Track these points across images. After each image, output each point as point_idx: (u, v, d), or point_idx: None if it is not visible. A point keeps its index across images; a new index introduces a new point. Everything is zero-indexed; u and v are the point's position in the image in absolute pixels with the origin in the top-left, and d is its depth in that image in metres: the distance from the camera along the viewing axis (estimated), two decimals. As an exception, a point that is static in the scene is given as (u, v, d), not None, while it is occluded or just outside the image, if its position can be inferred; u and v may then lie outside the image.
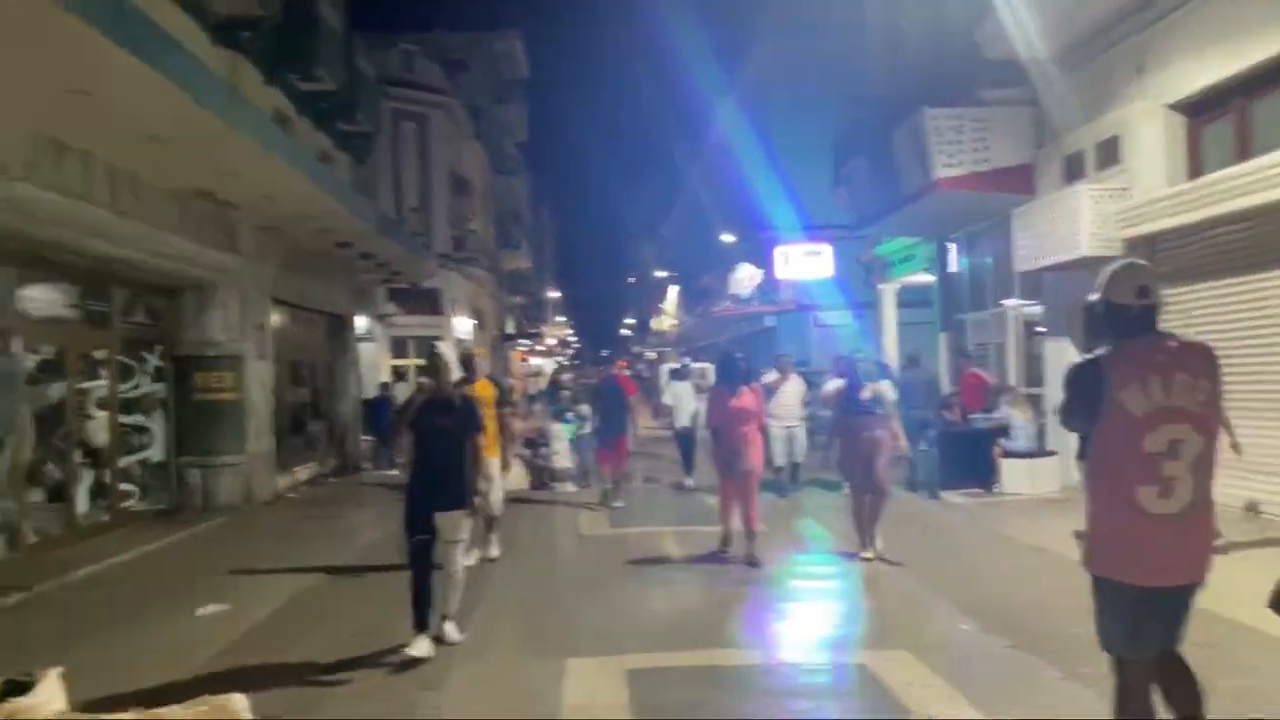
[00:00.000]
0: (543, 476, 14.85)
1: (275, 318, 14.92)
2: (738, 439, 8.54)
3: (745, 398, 8.71)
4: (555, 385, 16.63)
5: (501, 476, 9.20)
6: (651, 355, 61.55)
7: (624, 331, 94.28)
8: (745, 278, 29.51)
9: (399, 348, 30.83)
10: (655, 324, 62.11)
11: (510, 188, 50.71)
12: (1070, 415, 3.45)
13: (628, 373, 16.83)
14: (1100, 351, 3.32)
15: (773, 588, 7.74)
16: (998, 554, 8.83)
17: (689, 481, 13.99)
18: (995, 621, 6.28)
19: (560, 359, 66.67)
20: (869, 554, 8.50)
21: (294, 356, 16.47)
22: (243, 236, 13.15)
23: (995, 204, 13.76)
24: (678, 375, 17.51)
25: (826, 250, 23.35)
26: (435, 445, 6.12)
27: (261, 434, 13.62)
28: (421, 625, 5.97)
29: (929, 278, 18.28)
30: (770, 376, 12.57)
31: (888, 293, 21.10)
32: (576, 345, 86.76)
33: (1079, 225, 10.93)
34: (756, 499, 8.70)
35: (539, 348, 59.02)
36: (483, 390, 8.48)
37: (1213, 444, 3.27)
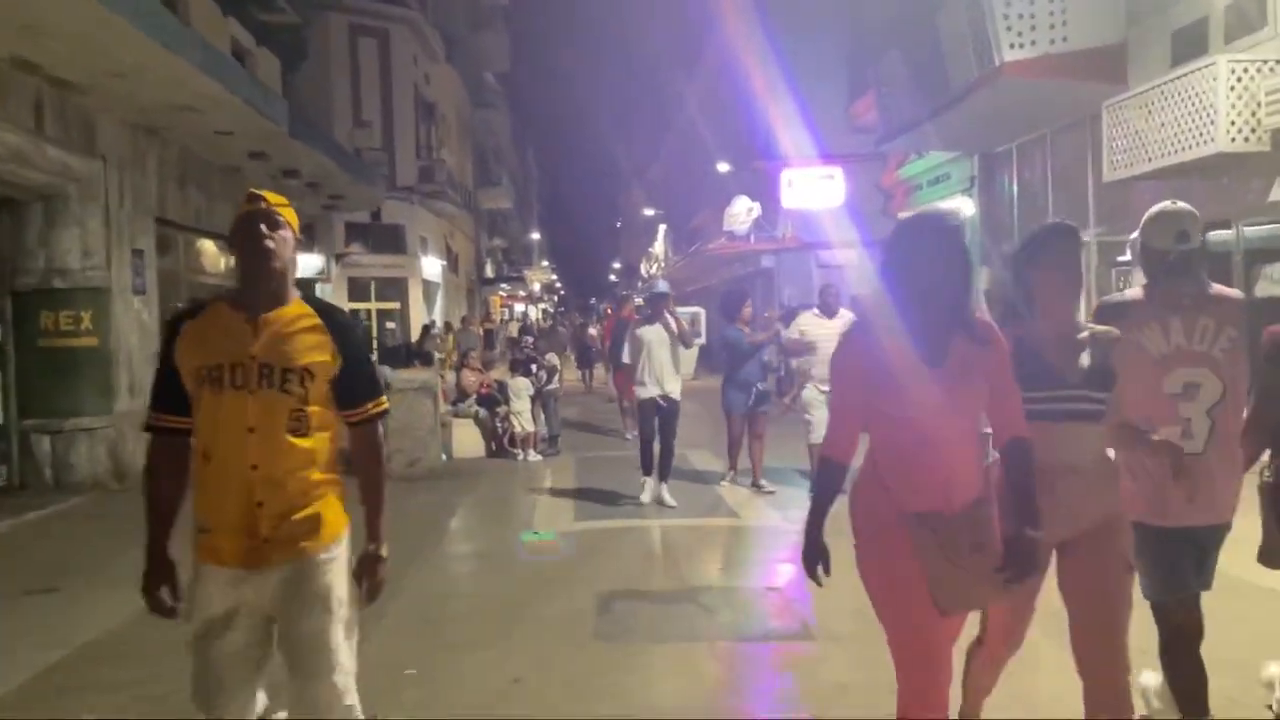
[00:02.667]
0: (501, 441, 12.09)
1: (164, 244, 11.99)
2: None
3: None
4: (490, 334, 13.72)
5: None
6: (639, 301, 58.60)
7: (611, 278, 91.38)
8: (742, 211, 26.53)
9: (359, 290, 27.85)
10: (644, 268, 59.17)
11: (490, 122, 47.43)
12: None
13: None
14: (1129, 292, 3.35)
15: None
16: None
17: (647, 496, 8.62)
18: None
19: (545, 305, 63.85)
20: None
21: (198, 293, 13.51)
22: (105, 135, 10.17)
23: (1068, 99, 10.90)
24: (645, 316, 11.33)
25: (838, 174, 20.36)
26: None
27: (139, 387, 10.75)
28: None
29: (965, 203, 15.41)
30: (805, 324, 8.60)
31: (910, 224, 18.19)
32: (562, 291, 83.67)
33: (1214, 111, 8.05)
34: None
35: (521, 293, 55.98)
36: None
37: (1236, 390, 3.18)
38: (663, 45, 43.47)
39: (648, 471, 8.60)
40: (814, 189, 20.42)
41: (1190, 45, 9.25)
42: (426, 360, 16.36)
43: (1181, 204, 3.24)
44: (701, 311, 27.19)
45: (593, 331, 23.96)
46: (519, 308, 57.18)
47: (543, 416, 12.22)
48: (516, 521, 7.97)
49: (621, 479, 9.96)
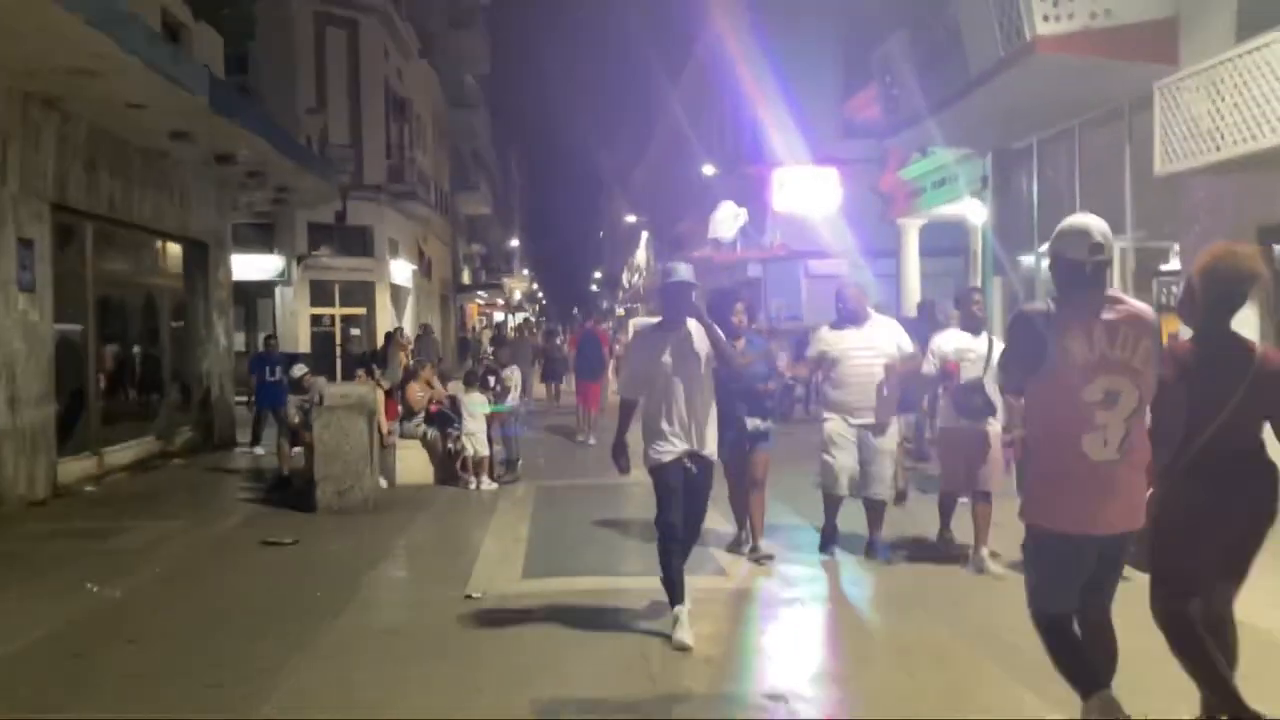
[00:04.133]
0: (453, 466, 10.56)
1: (64, 235, 10.42)
2: None
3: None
4: (465, 341, 12.23)
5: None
6: (619, 311, 57.44)
7: (592, 288, 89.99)
8: (728, 218, 25.08)
9: (322, 294, 26.25)
10: (625, 278, 57.79)
11: (469, 124, 45.87)
12: (1011, 366, 3.54)
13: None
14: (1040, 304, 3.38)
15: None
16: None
17: (683, 635, 5.02)
18: None
19: (527, 314, 62.17)
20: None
21: (109, 292, 11.93)
22: (-18, 102, 8.64)
23: (1105, 83, 9.52)
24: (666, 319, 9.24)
25: (833, 176, 18.94)
26: None
27: (23, 400, 9.17)
28: None
29: (974, 207, 14.01)
30: (825, 340, 6.70)
31: (909, 230, 16.82)
32: (542, 300, 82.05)
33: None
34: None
35: (500, 301, 54.39)
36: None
37: (1147, 401, 3.26)
38: (648, 46, 42.13)
39: (675, 599, 5.08)
40: (807, 192, 18.99)
41: (1260, 16, 7.85)
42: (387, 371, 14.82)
43: (1093, 216, 3.31)
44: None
45: (559, 342, 22.36)
46: (498, 316, 55.59)
47: (503, 438, 10.73)
48: (449, 576, 6.42)
49: (585, 515, 8.45)
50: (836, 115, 19.97)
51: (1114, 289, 3.36)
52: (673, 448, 5.10)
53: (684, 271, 5.26)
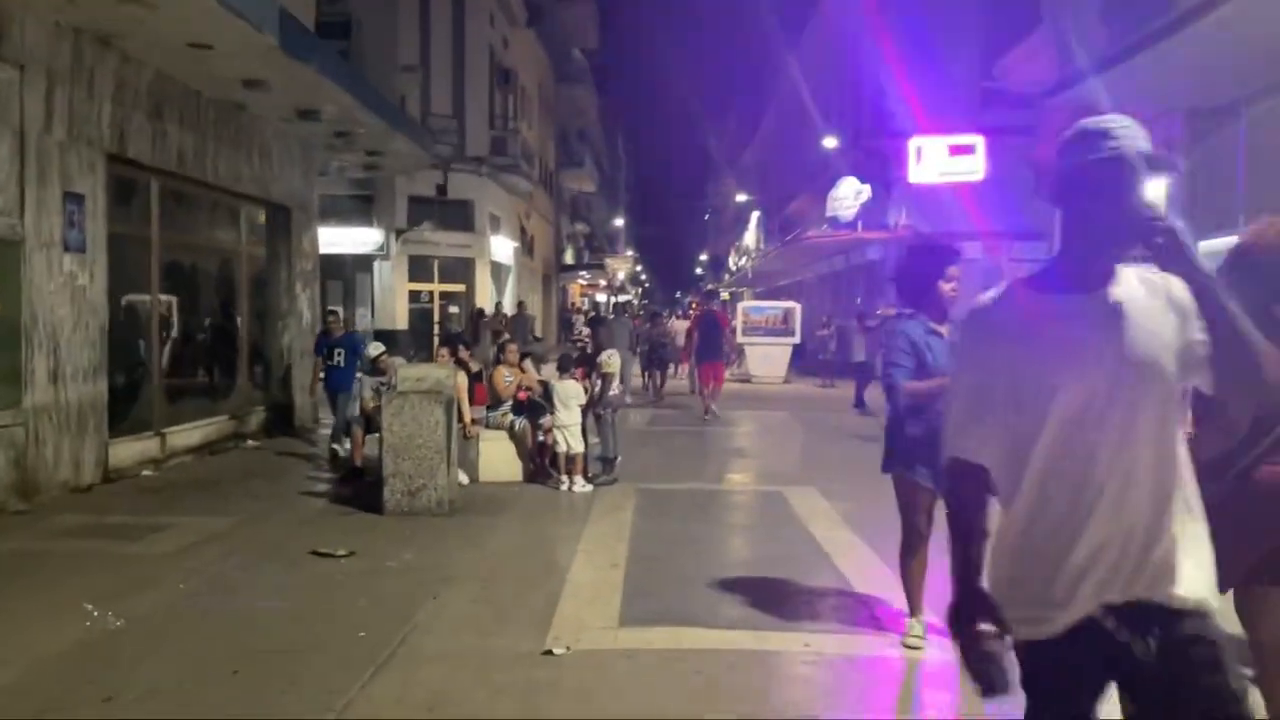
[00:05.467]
0: (542, 462, 9.25)
1: (123, 192, 9.43)
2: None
3: None
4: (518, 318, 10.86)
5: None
6: (725, 295, 56.00)
7: (697, 270, 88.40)
8: (849, 195, 23.30)
9: (420, 270, 25.38)
10: (732, 260, 56.08)
11: (575, 99, 44.77)
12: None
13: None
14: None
15: None
16: None
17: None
18: None
19: (630, 296, 60.99)
20: None
21: (179, 257, 10.96)
22: (24, 35, 7.60)
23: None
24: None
25: (980, 145, 16.96)
26: None
27: (68, 375, 8.18)
28: None
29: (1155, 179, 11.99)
30: None
31: (1067, 208, 14.77)
32: (645, 283, 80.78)
33: None
34: None
35: (602, 282, 53.31)
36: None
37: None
38: (766, 11, 40.11)
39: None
40: (948, 163, 17.06)
41: None
42: (477, 351, 13.65)
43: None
44: (797, 307, 24.05)
45: (672, 325, 20.66)
46: (600, 297, 54.53)
47: (601, 433, 9.37)
48: (526, 616, 5.06)
49: (698, 531, 7.02)
50: (975, 82, 17.98)
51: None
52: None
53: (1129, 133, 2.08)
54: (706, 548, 6.76)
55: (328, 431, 11.32)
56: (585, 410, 9.06)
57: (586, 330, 9.76)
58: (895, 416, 4.60)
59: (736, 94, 56.41)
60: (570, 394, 8.93)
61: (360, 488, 8.52)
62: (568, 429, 8.84)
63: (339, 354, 10.77)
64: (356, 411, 9.45)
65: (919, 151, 17.16)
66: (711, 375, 15.21)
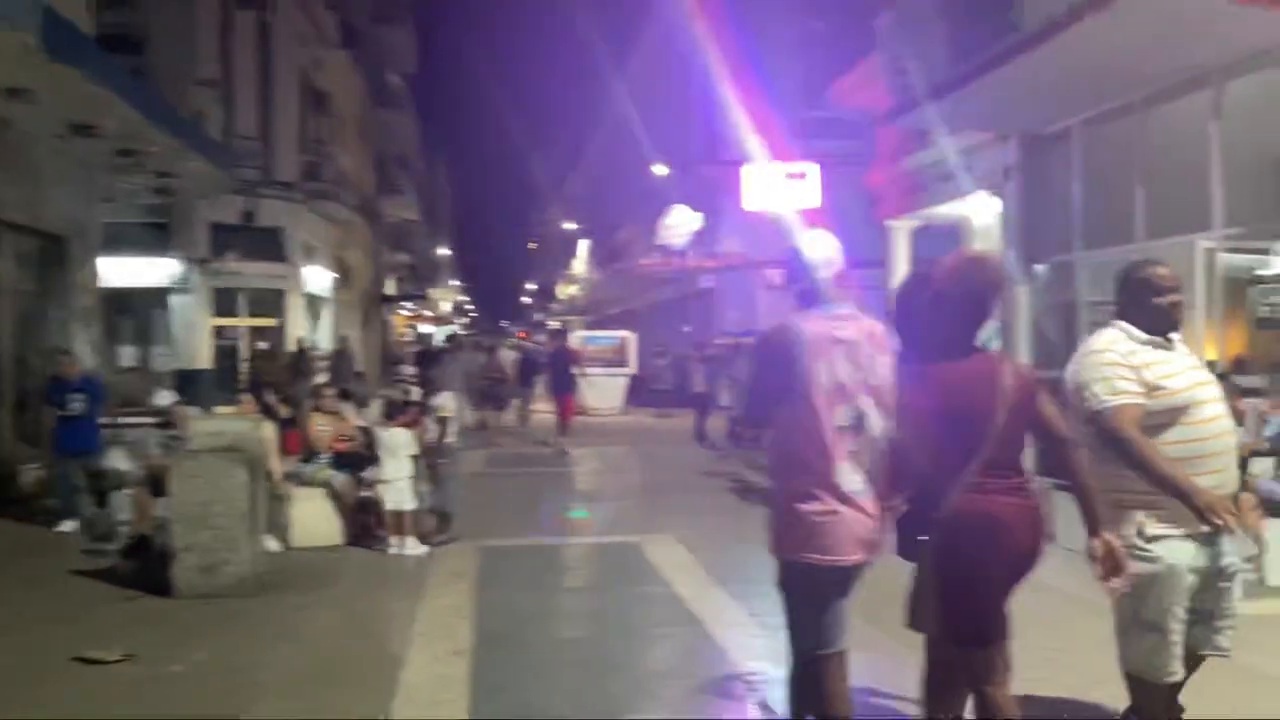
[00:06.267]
0: (368, 522, 8.14)
1: None
2: None
3: None
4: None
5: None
6: (554, 324, 55.32)
7: (525, 300, 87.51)
8: (681, 223, 23.03)
9: (225, 303, 23.35)
10: (560, 290, 55.54)
11: (394, 125, 43.21)
12: (758, 394, 3.32)
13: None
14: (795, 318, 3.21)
15: None
16: None
17: None
18: None
19: (455, 327, 59.31)
20: None
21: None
22: None
23: (1199, 42, 7.57)
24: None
25: (814, 171, 16.89)
26: None
27: None
28: None
29: (986, 204, 12.06)
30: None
31: (899, 234, 14.83)
32: (472, 313, 79.02)
33: None
34: None
35: (427, 313, 51.56)
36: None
37: (889, 419, 3.14)
38: (591, 32, 39.89)
39: None
40: (781, 190, 16.90)
41: None
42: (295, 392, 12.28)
43: (825, 234, 3.25)
44: (633, 337, 23.61)
45: (505, 357, 19.54)
46: (424, 328, 52.70)
47: (436, 485, 8.35)
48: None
49: (555, 599, 6.16)
50: (808, 109, 18.02)
51: (848, 307, 3.22)
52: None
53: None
54: (565, 621, 5.91)
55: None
56: (417, 460, 8.04)
57: (412, 370, 8.52)
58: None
59: (562, 121, 56.14)
60: (399, 443, 7.89)
61: (148, 560, 7.18)
62: (396, 483, 7.80)
63: (78, 401, 8.78)
64: (130, 467, 8.05)
65: (753, 179, 16.95)
66: (565, 408, 15.32)
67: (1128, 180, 9.23)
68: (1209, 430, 3.31)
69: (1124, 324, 3.42)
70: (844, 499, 3.04)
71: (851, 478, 3.05)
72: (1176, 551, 3.23)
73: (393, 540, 7.78)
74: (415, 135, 50.95)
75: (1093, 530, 3.04)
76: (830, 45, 15.74)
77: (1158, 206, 8.92)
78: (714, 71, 19.12)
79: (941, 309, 3.14)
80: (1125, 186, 9.24)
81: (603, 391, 22.15)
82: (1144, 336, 3.36)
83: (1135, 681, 3.35)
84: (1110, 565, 3.02)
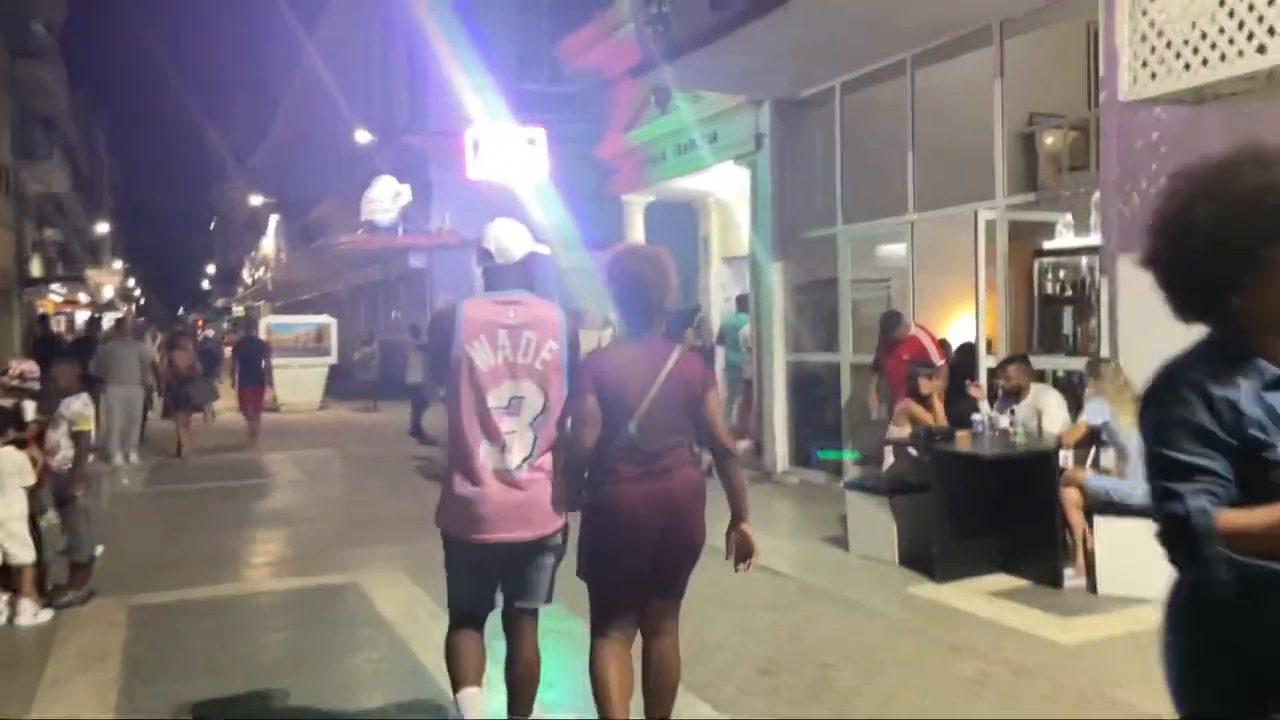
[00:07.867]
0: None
1: None
2: None
3: None
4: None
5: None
6: (239, 312, 50.62)
7: (205, 285, 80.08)
8: (386, 197, 20.83)
9: None
10: (247, 273, 50.68)
11: (38, 80, 37.05)
12: (433, 373, 3.78)
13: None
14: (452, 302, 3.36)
15: None
16: None
17: None
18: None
19: (122, 313, 52.41)
20: None
21: None
22: None
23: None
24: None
25: (541, 137, 15.41)
26: None
27: None
28: None
29: (733, 175, 11.21)
30: None
31: (634, 207, 13.76)
32: (140, 299, 70.57)
33: None
34: None
35: (84, 298, 45.01)
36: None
37: (556, 404, 3.25)
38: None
39: None
40: (511, 156, 15.28)
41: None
42: None
43: (503, 221, 3.37)
44: (333, 322, 21.23)
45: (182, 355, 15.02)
46: (82, 315, 45.97)
47: (68, 525, 6.06)
48: None
49: (242, 681, 4.29)
50: (536, 72, 16.60)
51: (519, 292, 3.30)
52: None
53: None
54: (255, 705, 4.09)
55: None
56: (36, 492, 5.76)
57: (26, 370, 5.76)
58: None
59: (249, 85, 50.96)
60: (6, 469, 5.59)
61: None
62: (5, 526, 5.51)
63: None
64: None
65: (477, 143, 15.22)
66: (252, 403, 14.10)
67: (898, 147, 8.55)
68: None
69: None
70: (493, 477, 3.16)
71: (502, 457, 3.16)
72: None
73: (3, 604, 5.51)
74: (65, 94, 44.22)
75: (734, 522, 3.23)
76: (554, 13, 14.40)
77: (932, 175, 8.29)
78: (424, 33, 17.21)
79: (611, 297, 3.27)
80: (895, 154, 8.56)
81: (298, 384, 19.80)
82: None
83: None
84: (743, 551, 3.25)
